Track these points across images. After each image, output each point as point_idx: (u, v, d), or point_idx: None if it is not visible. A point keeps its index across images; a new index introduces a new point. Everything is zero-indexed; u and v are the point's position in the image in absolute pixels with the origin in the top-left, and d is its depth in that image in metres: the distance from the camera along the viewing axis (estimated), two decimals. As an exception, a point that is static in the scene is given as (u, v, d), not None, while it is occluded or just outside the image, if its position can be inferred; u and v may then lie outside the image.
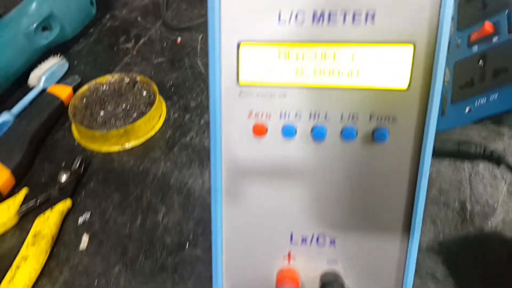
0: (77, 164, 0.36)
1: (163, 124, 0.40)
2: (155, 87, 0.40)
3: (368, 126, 0.22)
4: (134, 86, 0.41)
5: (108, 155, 0.38)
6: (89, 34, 0.52)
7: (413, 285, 0.23)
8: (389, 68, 0.20)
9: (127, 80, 0.42)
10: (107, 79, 0.42)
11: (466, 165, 0.34)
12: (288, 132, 0.22)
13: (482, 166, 0.34)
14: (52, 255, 0.31)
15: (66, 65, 0.46)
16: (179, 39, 0.50)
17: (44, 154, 0.38)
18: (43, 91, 0.43)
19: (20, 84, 0.45)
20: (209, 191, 0.34)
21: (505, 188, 0.33)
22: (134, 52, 0.49)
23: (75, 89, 0.42)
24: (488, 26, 0.33)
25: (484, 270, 0.29)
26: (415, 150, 0.22)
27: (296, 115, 0.22)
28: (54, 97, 0.41)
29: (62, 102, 0.41)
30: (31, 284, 0.29)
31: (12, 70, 0.43)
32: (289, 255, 0.24)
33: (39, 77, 0.43)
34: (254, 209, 0.24)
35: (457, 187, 0.34)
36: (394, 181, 0.22)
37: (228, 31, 0.20)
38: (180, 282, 0.29)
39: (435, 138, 0.21)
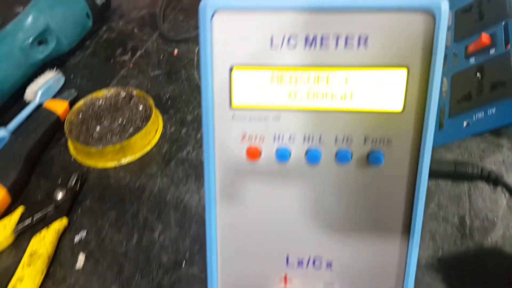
0: (73, 181, 0.36)
1: (160, 139, 0.40)
2: (151, 101, 0.40)
3: (363, 149, 0.21)
4: (130, 100, 0.41)
5: (104, 171, 0.38)
6: (85, 47, 0.52)
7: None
8: (383, 91, 0.20)
9: (123, 94, 0.41)
10: (103, 94, 0.42)
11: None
12: (282, 155, 0.22)
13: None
14: (48, 274, 0.31)
15: (63, 79, 0.46)
16: (175, 51, 0.50)
17: (40, 171, 0.38)
18: (39, 106, 0.42)
19: (16, 99, 0.45)
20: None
21: (505, 202, 0.33)
22: (131, 65, 0.49)
23: (72, 104, 0.42)
24: (485, 37, 0.33)
25: (485, 287, 0.28)
26: (411, 173, 0.22)
27: (290, 138, 0.22)
28: (50, 113, 0.41)
29: (58, 118, 0.41)
30: (27, 305, 0.29)
31: (8, 85, 0.42)
32: (285, 278, 0.24)
33: (35, 92, 0.43)
34: (249, 232, 0.24)
35: (456, 201, 0.33)
36: (390, 204, 0.22)
37: (220, 56, 0.20)
38: (177, 303, 0.29)
39: (431, 157, 0.21)
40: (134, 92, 0.41)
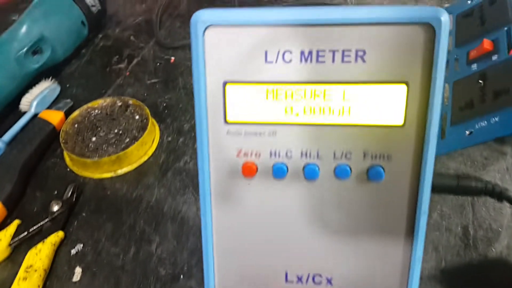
0: (69, 192, 0.35)
1: (157, 149, 0.39)
2: (147, 111, 0.40)
3: (363, 164, 0.21)
4: (126, 110, 0.40)
5: (101, 182, 0.37)
6: (81, 55, 0.51)
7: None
8: (383, 106, 0.20)
9: (119, 103, 0.41)
10: (99, 103, 0.41)
11: (468, 187, 0.33)
12: (279, 171, 0.21)
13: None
14: (44, 288, 0.31)
15: (58, 89, 0.46)
16: (172, 59, 0.49)
17: (36, 183, 0.38)
18: (35, 116, 0.42)
19: (11, 109, 0.44)
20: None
21: (509, 211, 0.32)
22: (127, 73, 0.48)
23: (67, 114, 0.42)
24: (487, 43, 0.33)
25: (489, 300, 0.28)
26: (413, 188, 0.21)
27: (287, 153, 0.21)
28: (45, 123, 0.40)
29: (54, 128, 0.40)
30: (22, 322, 0.28)
31: (3, 95, 0.42)
32: (284, 295, 0.23)
33: (31, 102, 0.43)
34: (247, 249, 0.23)
35: (459, 211, 0.32)
36: (392, 219, 0.22)
37: (213, 71, 0.20)
38: (174, 319, 0.28)
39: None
40: (130, 102, 0.41)
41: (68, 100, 0.44)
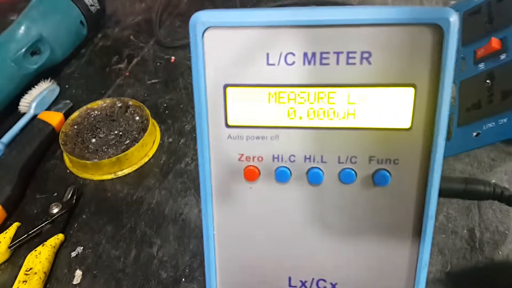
0: (69, 194, 0.35)
1: (157, 150, 0.39)
2: (147, 112, 0.39)
3: (368, 168, 0.20)
4: (126, 111, 0.40)
5: (101, 183, 0.37)
6: (80, 55, 0.51)
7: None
8: (389, 109, 0.19)
9: (119, 104, 0.40)
10: (98, 104, 0.41)
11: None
12: (282, 175, 0.21)
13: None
14: (44, 292, 0.30)
15: (57, 90, 0.45)
16: (172, 58, 0.49)
17: (35, 185, 0.37)
18: (34, 117, 0.41)
19: (10, 110, 0.44)
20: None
21: (516, 213, 0.32)
22: (127, 73, 0.48)
23: (67, 115, 0.41)
24: (495, 42, 0.32)
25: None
26: (420, 193, 0.20)
27: (290, 158, 0.20)
28: (45, 124, 0.40)
29: (53, 129, 0.40)
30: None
31: (1, 97, 0.41)
32: (287, 301, 0.23)
33: (30, 103, 0.42)
34: (249, 254, 0.23)
35: (465, 213, 0.32)
36: (397, 224, 0.21)
37: (213, 73, 0.19)
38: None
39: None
40: (130, 102, 0.40)
41: (68, 101, 0.43)
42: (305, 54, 0.18)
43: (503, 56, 0.31)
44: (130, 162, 0.37)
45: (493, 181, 0.34)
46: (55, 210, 0.34)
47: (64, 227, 0.34)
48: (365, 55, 0.18)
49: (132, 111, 0.40)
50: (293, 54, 0.18)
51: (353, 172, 0.20)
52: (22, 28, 0.42)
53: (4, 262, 0.32)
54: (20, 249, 0.33)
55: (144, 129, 0.38)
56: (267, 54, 0.18)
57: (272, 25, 0.18)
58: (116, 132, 0.38)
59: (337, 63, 0.18)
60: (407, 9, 0.18)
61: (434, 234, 0.30)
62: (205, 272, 0.23)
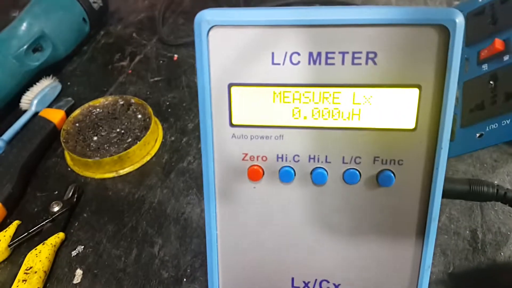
0: (70, 193, 0.35)
1: (159, 148, 0.39)
2: (150, 110, 0.39)
3: (372, 169, 0.20)
4: (128, 108, 0.40)
5: (102, 182, 0.37)
6: (82, 52, 0.51)
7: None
8: (394, 110, 0.19)
9: (121, 102, 0.40)
10: (100, 102, 0.40)
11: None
12: (286, 175, 0.21)
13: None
14: (45, 291, 0.30)
15: (59, 87, 0.45)
16: (175, 56, 0.49)
17: (36, 183, 0.37)
18: (35, 114, 0.41)
19: (11, 108, 0.43)
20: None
21: (518, 215, 0.31)
22: (129, 71, 0.48)
23: (68, 112, 0.41)
24: (498, 43, 0.32)
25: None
26: (423, 193, 0.20)
27: (294, 158, 0.20)
28: (46, 121, 0.40)
29: (54, 126, 0.40)
30: (22, 326, 0.28)
31: (3, 94, 0.41)
32: (290, 301, 0.23)
33: (31, 100, 0.42)
34: (252, 254, 0.23)
35: (468, 214, 0.32)
36: (401, 225, 0.21)
37: (218, 72, 0.19)
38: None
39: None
40: (133, 100, 0.40)
41: (69, 99, 0.43)
42: (311, 54, 0.18)
43: (506, 57, 0.31)
44: (132, 160, 0.37)
45: (496, 182, 0.34)
46: (56, 209, 0.34)
47: (65, 225, 0.33)
48: (371, 55, 0.18)
49: (134, 109, 0.40)
50: (299, 54, 0.18)
51: (357, 172, 0.20)
52: (24, 24, 0.42)
53: (3, 261, 0.32)
54: (20, 248, 0.32)
55: (146, 128, 0.38)
56: (272, 54, 0.18)
57: (277, 24, 0.18)
58: (118, 130, 0.38)
59: (343, 63, 0.18)
60: (413, 9, 0.18)
61: (436, 235, 0.30)
62: (208, 272, 0.23)
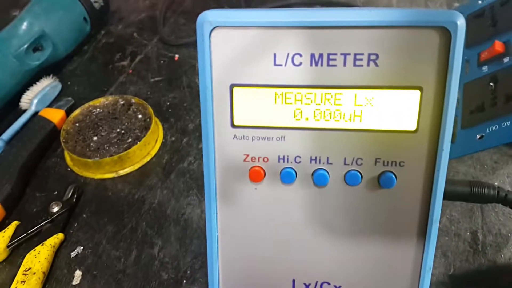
0: (69, 193, 0.35)
1: (160, 149, 0.39)
2: (150, 110, 0.39)
3: (374, 170, 0.20)
4: (129, 108, 0.40)
5: (102, 182, 0.37)
6: (83, 52, 0.50)
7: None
8: (395, 111, 0.19)
9: (121, 102, 0.40)
10: (100, 102, 0.40)
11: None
12: (287, 176, 0.21)
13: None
14: (44, 292, 0.30)
15: (59, 87, 0.45)
16: (176, 56, 0.49)
17: (36, 183, 0.37)
18: (35, 114, 0.41)
19: (11, 107, 0.43)
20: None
21: (518, 217, 0.31)
22: (130, 71, 0.48)
23: (68, 112, 0.41)
24: (498, 45, 0.32)
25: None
26: (424, 195, 0.20)
27: (295, 159, 0.20)
28: (46, 121, 0.40)
29: (54, 126, 0.40)
30: (20, 327, 0.28)
31: (3, 93, 0.41)
32: (290, 303, 0.23)
33: (31, 99, 0.42)
34: (253, 255, 0.23)
35: (468, 215, 0.32)
36: (402, 227, 0.21)
37: (220, 73, 0.19)
38: (176, 324, 0.28)
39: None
40: (133, 100, 0.40)
41: (69, 98, 0.43)
42: (312, 55, 0.18)
43: (506, 59, 0.31)
44: (132, 161, 0.37)
45: (496, 183, 0.34)
46: (55, 209, 0.33)
47: (64, 226, 0.33)
48: (372, 57, 0.18)
49: (135, 109, 0.40)
50: (300, 55, 0.18)
51: (358, 174, 0.20)
52: (25, 24, 0.42)
53: (2, 262, 0.32)
54: (19, 249, 0.32)
55: (146, 128, 0.38)
56: (274, 55, 0.18)
57: (279, 25, 0.18)
58: (118, 130, 0.38)
59: (344, 64, 0.18)
60: (414, 11, 0.18)
61: (437, 237, 0.30)
62: (208, 274, 0.23)
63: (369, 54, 0.18)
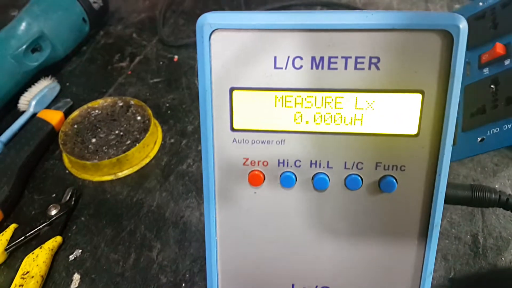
0: (67, 196, 0.35)
1: (159, 151, 0.38)
2: (149, 112, 0.39)
3: (374, 174, 0.20)
4: (127, 110, 0.40)
5: (101, 184, 0.36)
6: (81, 53, 0.50)
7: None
8: (396, 115, 0.19)
9: (120, 103, 0.40)
10: (99, 103, 0.40)
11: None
12: (287, 180, 0.20)
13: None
14: (42, 295, 0.30)
15: (58, 88, 0.45)
16: (176, 57, 0.48)
17: (34, 185, 0.37)
18: (33, 116, 0.41)
19: (9, 108, 0.43)
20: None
21: (519, 220, 0.31)
22: (129, 72, 0.47)
23: (67, 114, 0.41)
24: (499, 48, 0.32)
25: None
26: (425, 200, 0.20)
27: (295, 163, 0.20)
28: (44, 123, 0.39)
29: (53, 128, 0.40)
30: (18, 331, 0.28)
31: (1, 94, 0.41)
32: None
33: (29, 101, 0.42)
34: (252, 259, 0.22)
35: (469, 218, 0.32)
36: (402, 231, 0.21)
37: (219, 76, 0.19)
38: (175, 329, 0.27)
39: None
40: (132, 102, 0.40)
41: (68, 100, 0.43)
42: (313, 58, 0.18)
43: (507, 62, 0.31)
44: (131, 163, 0.37)
45: (497, 186, 0.34)
46: (54, 212, 0.33)
47: (62, 229, 0.33)
48: (374, 60, 0.18)
49: (134, 111, 0.39)
50: (301, 58, 0.18)
51: (359, 178, 0.20)
52: (23, 24, 0.42)
53: (0, 265, 0.31)
54: (17, 252, 0.32)
55: (145, 129, 0.38)
56: (275, 58, 0.18)
57: (280, 28, 0.17)
58: (117, 132, 0.38)
59: (345, 68, 0.18)
60: (416, 14, 0.17)
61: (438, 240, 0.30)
62: (207, 278, 0.23)
63: (370, 58, 0.18)
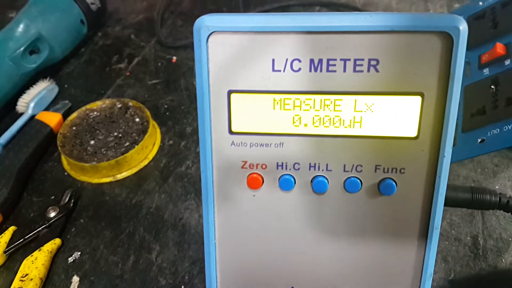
0: (66, 198, 0.34)
1: (157, 152, 0.38)
2: (148, 113, 0.39)
3: (374, 177, 0.20)
4: (126, 112, 0.39)
5: (99, 186, 0.36)
6: (80, 54, 0.50)
7: None
8: (396, 118, 0.19)
9: (119, 105, 0.40)
10: (98, 105, 0.40)
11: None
12: (286, 183, 0.20)
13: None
14: (40, 298, 0.30)
15: (56, 89, 0.44)
16: (174, 58, 0.48)
17: (33, 187, 0.37)
18: (32, 118, 0.41)
19: (7, 111, 0.43)
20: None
21: (520, 221, 0.31)
22: (127, 73, 0.47)
23: (65, 116, 0.41)
24: (499, 47, 0.31)
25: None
26: (425, 202, 0.20)
27: (294, 166, 0.20)
28: (43, 125, 0.39)
29: (51, 130, 0.39)
30: (17, 334, 0.28)
31: (-1, 97, 0.41)
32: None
33: (28, 103, 0.42)
34: (251, 262, 0.22)
35: (469, 219, 0.32)
36: (402, 234, 0.21)
37: (217, 79, 0.19)
38: (174, 332, 0.27)
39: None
40: (130, 103, 0.40)
41: (66, 101, 0.43)
42: (312, 61, 0.18)
43: (507, 62, 0.31)
44: (130, 165, 0.36)
45: (497, 187, 0.34)
46: (52, 214, 0.33)
47: (61, 231, 0.33)
48: (373, 62, 0.17)
49: (132, 113, 0.39)
50: (299, 61, 0.18)
51: (358, 181, 0.20)
52: (21, 26, 0.42)
53: (-1, 268, 0.32)
54: (15, 254, 0.32)
55: (144, 131, 0.37)
56: (273, 60, 0.18)
57: (278, 30, 0.17)
58: (115, 134, 0.38)
59: (344, 70, 0.18)
60: (415, 16, 0.17)
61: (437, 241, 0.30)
62: (206, 280, 0.23)
63: (369, 60, 0.17)
